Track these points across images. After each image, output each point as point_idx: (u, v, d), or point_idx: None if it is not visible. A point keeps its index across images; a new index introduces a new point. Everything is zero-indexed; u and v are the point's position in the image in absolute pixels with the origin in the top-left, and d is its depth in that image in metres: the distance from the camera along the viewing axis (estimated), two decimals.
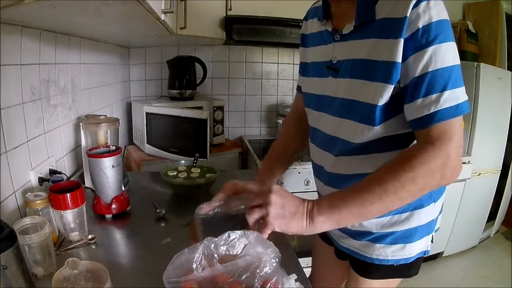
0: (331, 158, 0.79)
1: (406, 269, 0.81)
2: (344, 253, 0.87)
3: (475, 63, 2.02)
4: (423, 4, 0.60)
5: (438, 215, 0.83)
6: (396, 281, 0.85)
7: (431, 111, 0.60)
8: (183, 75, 1.94)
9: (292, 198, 0.65)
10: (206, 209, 0.72)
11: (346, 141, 0.74)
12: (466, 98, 0.62)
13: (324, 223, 0.62)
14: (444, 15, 0.61)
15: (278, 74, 2.34)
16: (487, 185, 2.26)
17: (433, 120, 0.60)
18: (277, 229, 0.63)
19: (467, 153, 2.09)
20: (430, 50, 0.60)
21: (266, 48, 2.27)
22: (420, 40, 0.60)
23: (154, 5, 0.81)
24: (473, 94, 2.00)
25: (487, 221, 2.39)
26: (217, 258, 0.57)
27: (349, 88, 0.72)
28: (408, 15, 0.60)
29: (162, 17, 0.95)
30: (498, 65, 2.33)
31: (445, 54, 0.60)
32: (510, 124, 2.23)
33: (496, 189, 2.33)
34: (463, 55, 2.38)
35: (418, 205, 0.76)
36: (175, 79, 1.95)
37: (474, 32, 2.42)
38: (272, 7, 1.86)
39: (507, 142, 2.27)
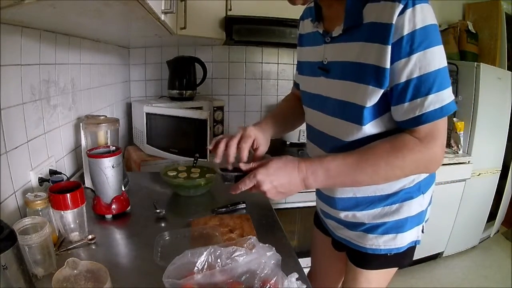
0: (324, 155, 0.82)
1: (400, 259, 0.85)
2: (340, 244, 0.92)
3: (475, 63, 2.02)
4: (408, 11, 0.60)
5: (428, 206, 0.86)
6: (391, 271, 0.89)
7: (417, 114, 0.65)
8: (183, 75, 1.94)
9: (281, 178, 0.71)
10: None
11: (337, 139, 0.78)
12: (452, 98, 0.65)
13: (316, 187, 0.84)
14: (430, 20, 0.62)
15: (278, 74, 2.34)
16: (487, 185, 2.26)
17: (419, 122, 0.65)
18: (276, 198, 0.74)
19: (467, 153, 2.09)
20: (414, 57, 0.62)
21: (266, 48, 2.26)
22: (405, 48, 0.62)
23: (154, 5, 0.81)
24: (473, 94, 2.00)
25: (487, 221, 2.39)
26: (219, 266, 0.58)
27: (340, 89, 0.75)
28: (394, 22, 0.61)
29: (162, 17, 0.95)
30: (498, 65, 2.33)
31: (430, 60, 0.62)
32: (510, 124, 2.23)
33: (496, 189, 2.32)
34: (463, 55, 2.38)
35: (407, 197, 0.80)
36: (175, 80, 1.95)
37: (474, 32, 2.42)
38: (272, 7, 1.86)
39: (507, 142, 2.27)
